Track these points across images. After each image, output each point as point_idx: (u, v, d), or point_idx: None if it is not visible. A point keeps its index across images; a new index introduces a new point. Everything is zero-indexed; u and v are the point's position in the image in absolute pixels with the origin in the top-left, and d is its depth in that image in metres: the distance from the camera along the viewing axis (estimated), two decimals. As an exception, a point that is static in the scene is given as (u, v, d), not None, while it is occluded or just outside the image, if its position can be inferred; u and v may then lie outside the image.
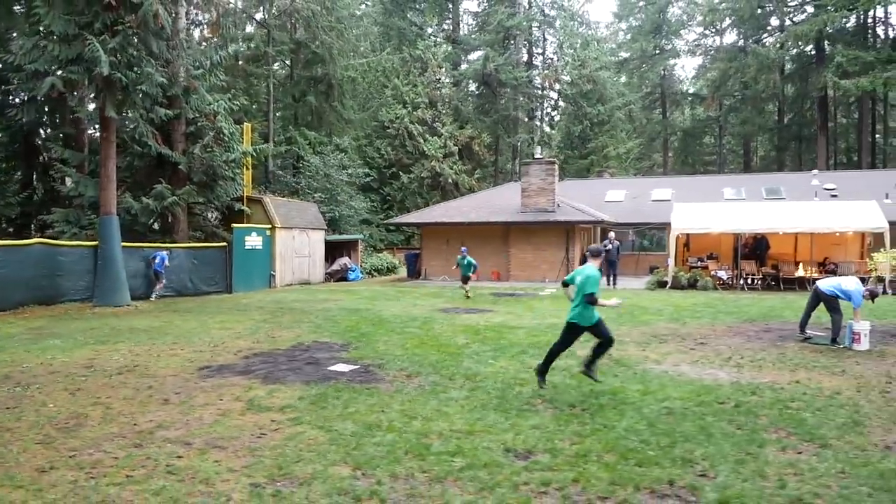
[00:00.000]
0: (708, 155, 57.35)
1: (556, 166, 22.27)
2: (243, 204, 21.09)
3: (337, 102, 32.16)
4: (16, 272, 13.87)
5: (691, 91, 58.14)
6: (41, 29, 13.76)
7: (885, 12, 40.13)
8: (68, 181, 19.02)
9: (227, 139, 18.82)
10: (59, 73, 13.69)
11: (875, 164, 40.04)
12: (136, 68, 13.96)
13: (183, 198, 18.16)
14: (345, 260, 25.80)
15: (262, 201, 21.49)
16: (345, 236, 27.59)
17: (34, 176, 24.26)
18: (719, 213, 19.34)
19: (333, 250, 26.62)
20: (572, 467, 4.41)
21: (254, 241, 19.88)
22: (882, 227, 17.24)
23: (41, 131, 23.68)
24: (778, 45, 39.86)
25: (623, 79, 54.78)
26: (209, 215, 21.98)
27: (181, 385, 6.99)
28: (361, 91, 36.81)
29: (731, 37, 49.68)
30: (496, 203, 23.31)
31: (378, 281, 25.11)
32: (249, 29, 32.52)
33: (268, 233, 20.65)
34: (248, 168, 20.96)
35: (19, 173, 24.62)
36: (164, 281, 17.05)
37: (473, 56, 42.34)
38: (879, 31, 41.93)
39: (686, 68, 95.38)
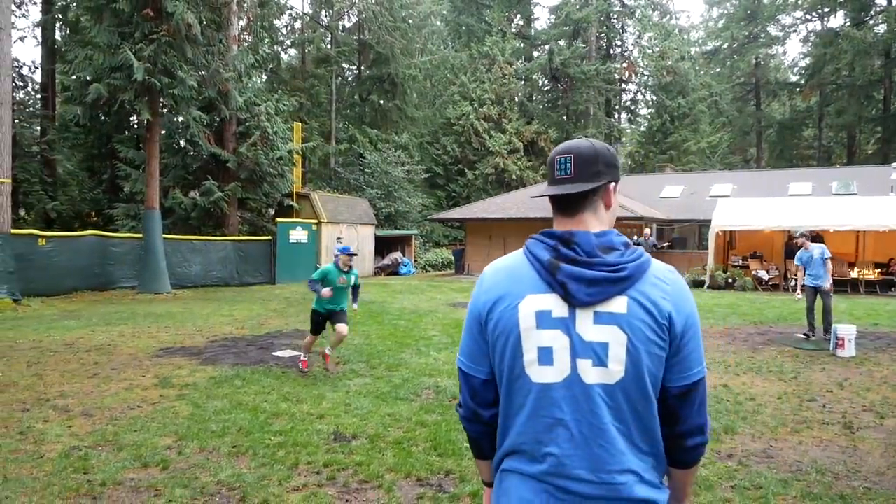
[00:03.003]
0: (807, 149, 53.20)
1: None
2: (293, 200, 22.22)
3: (399, 100, 32.91)
4: (69, 261, 15.43)
5: (792, 80, 54.12)
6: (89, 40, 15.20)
7: None
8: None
9: (271, 138, 19.88)
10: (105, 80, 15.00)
11: None
12: (172, 73, 15.10)
13: (229, 193, 19.41)
14: (396, 255, 26.45)
15: (310, 197, 22.50)
16: (398, 231, 28.25)
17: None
18: (769, 210, 18.09)
19: (389, 245, 27.38)
20: (371, 453, 4.53)
21: (298, 235, 20.88)
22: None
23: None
24: (880, 28, 36.25)
25: (718, 69, 52.02)
26: (265, 211, 23.36)
27: (126, 363, 7.66)
28: (428, 89, 37.35)
29: (836, 20, 45.80)
30: (539, 198, 22.95)
31: (427, 275, 25.52)
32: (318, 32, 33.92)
33: (314, 227, 21.61)
34: (295, 165, 22.02)
35: (108, 172, 27.48)
36: None
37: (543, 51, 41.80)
38: None
39: (788, 55, 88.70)
